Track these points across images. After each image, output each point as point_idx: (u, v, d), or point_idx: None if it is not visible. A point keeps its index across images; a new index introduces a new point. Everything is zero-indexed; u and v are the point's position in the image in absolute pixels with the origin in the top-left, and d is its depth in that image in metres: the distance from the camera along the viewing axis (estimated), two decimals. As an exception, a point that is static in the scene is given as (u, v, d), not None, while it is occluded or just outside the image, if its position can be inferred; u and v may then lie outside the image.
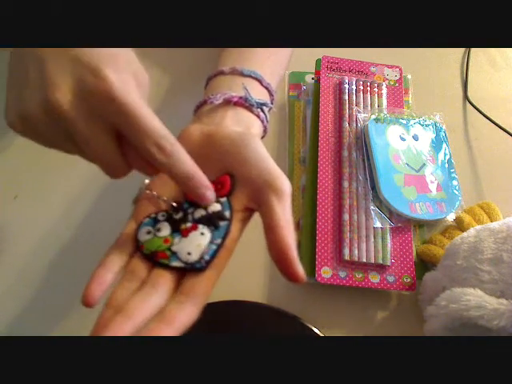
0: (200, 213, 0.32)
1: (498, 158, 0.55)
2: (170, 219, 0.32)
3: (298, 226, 0.48)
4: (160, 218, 0.33)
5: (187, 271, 0.30)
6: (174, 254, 0.30)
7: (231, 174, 0.33)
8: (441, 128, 0.53)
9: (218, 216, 0.32)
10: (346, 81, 0.53)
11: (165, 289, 0.29)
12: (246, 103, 0.38)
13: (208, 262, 0.30)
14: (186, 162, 0.30)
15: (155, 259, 0.31)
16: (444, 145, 0.52)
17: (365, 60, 0.56)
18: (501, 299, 0.35)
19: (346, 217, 0.47)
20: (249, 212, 0.33)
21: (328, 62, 0.55)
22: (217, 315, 0.42)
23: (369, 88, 0.54)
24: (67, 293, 0.44)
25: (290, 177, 0.51)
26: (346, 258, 0.45)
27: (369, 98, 0.53)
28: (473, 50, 0.62)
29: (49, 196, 0.48)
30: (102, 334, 0.26)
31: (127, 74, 0.29)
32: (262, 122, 0.39)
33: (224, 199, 0.33)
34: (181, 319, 0.27)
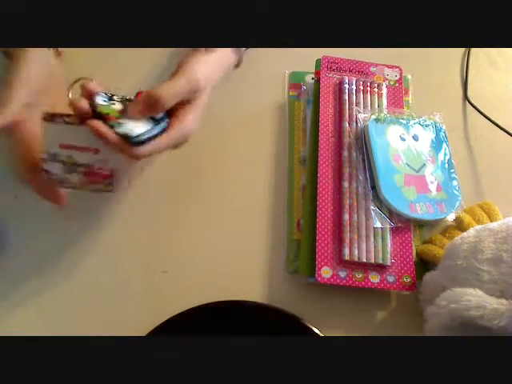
0: None
1: (498, 158, 0.55)
2: None
3: (298, 226, 0.48)
4: None
5: None
6: None
7: None
8: (441, 128, 0.53)
9: None
10: (346, 81, 0.53)
11: None
12: None
13: None
14: None
15: None
16: (444, 145, 0.52)
17: (365, 60, 0.56)
18: (501, 299, 0.35)
19: (346, 217, 0.46)
20: None
21: (328, 62, 0.55)
22: (217, 315, 0.42)
23: (369, 88, 0.54)
24: (67, 292, 0.44)
25: (290, 177, 0.51)
26: (346, 257, 0.45)
27: (369, 97, 0.53)
28: (473, 50, 0.62)
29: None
30: None
31: None
32: None
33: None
34: None
